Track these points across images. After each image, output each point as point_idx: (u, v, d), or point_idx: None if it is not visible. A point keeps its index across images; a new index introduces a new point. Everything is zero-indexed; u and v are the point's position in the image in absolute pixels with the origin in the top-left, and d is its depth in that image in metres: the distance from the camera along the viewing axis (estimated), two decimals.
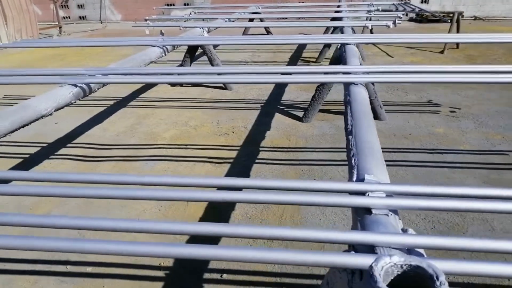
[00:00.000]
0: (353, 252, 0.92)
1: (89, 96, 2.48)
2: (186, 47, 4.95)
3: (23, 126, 2.01)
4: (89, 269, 1.98)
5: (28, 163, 3.13)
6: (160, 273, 1.94)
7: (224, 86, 4.97)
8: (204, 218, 2.36)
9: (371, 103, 3.71)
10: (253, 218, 2.34)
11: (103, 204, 2.53)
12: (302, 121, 3.78)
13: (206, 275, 1.91)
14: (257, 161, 3.04)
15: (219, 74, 2.95)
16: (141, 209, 2.47)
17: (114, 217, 2.36)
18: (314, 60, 6.39)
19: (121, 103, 4.53)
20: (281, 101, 4.44)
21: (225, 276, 1.91)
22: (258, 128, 3.69)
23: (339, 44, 3.41)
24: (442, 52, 6.72)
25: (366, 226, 0.98)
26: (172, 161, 3.09)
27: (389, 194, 1.06)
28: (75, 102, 2.39)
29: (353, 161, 1.33)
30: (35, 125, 3.75)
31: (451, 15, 6.92)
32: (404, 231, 0.97)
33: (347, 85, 2.14)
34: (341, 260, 0.87)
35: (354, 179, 1.21)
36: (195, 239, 2.04)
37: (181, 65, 5.14)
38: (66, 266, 2.00)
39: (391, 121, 3.74)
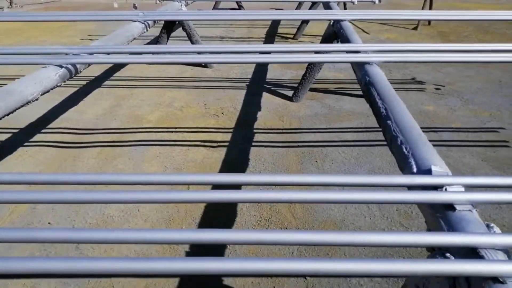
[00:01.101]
0: (449, 255, 0.84)
1: (73, 77, 2.24)
2: (162, 22, 4.64)
3: (7, 114, 1.77)
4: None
5: (0, 151, 2.83)
6: None
7: (204, 64, 4.74)
8: (218, 219, 2.23)
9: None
10: (260, 204, 2.24)
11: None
12: (292, 101, 3.68)
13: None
14: (254, 144, 2.92)
15: (211, 53, 2.76)
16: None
17: (111, 211, 2.18)
18: (292, 36, 6.24)
19: (95, 83, 4.21)
20: (266, 80, 4.30)
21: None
22: (247, 108, 3.55)
23: (332, 21, 3.30)
24: (415, 28, 6.78)
25: (452, 225, 0.91)
26: (163, 146, 2.90)
27: (467, 188, 0.99)
28: (61, 84, 2.14)
29: (404, 149, 1.24)
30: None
31: None
32: (489, 227, 0.91)
33: (361, 65, 2.05)
34: (444, 268, 0.79)
35: (415, 170, 1.13)
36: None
37: (157, 41, 4.82)
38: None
39: None
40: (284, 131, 3.13)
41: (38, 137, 3.04)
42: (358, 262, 0.80)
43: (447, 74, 4.45)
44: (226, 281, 1.75)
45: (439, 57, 2.15)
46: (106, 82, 4.25)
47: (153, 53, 2.36)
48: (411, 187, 1.05)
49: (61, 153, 2.80)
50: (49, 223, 2.15)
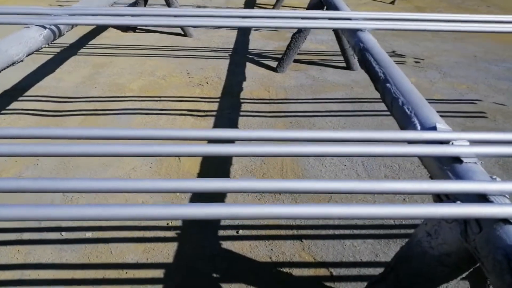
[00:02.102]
0: (458, 202, 0.90)
1: (57, 39, 2.14)
2: None
3: None
4: (88, 235, 1.80)
5: None
6: (170, 233, 1.82)
7: (184, 33, 4.62)
8: (203, 175, 2.24)
9: (345, 52, 3.71)
10: (254, 172, 2.27)
11: (83, 163, 2.28)
12: (277, 71, 3.67)
13: (221, 232, 1.84)
14: (241, 113, 2.91)
15: (193, 16, 2.70)
16: (129, 167, 2.27)
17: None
18: (271, 7, 6.16)
19: (70, 50, 4.03)
20: (249, 50, 4.25)
21: (241, 232, 1.84)
22: (232, 78, 3.52)
23: None
24: (392, 3, 6.84)
25: (459, 176, 0.96)
26: (148, 115, 2.85)
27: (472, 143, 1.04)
28: (46, 46, 2.05)
29: (407, 110, 1.29)
30: None
31: None
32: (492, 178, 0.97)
33: (353, 32, 2.06)
34: (457, 211, 0.84)
35: (419, 128, 1.18)
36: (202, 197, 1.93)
37: (135, 3, 4.64)
38: (60, 233, 1.80)
39: (363, 72, 3.76)
40: (271, 101, 3.14)
41: (15, 104, 2.91)
42: (368, 206, 0.84)
43: (425, 48, 4.55)
44: (225, 244, 1.78)
45: (431, 25, 2.19)
46: (82, 50, 4.07)
47: (135, 15, 2.28)
48: (417, 142, 1.09)
49: (42, 121, 2.70)
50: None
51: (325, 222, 1.91)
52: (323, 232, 1.86)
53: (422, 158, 1.11)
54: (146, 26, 2.16)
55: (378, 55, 1.74)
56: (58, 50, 4.02)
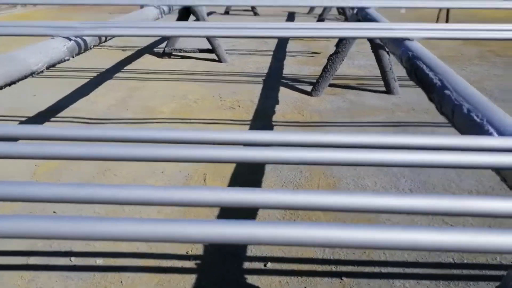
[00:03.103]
0: None
1: (83, 52, 2.07)
2: (176, 16, 4.50)
3: (9, 84, 1.60)
4: (99, 261, 1.61)
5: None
6: (189, 263, 1.60)
7: (218, 59, 4.57)
8: None
9: (385, 75, 3.48)
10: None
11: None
12: (311, 95, 3.49)
13: (246, 264, 1.60)
14: None
15: (227, 28, 2.58)
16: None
17: (121, 211, 1.99)
18: None
19: (105, 75, 4.05)
20: (283, 75, 4.12)
21: (269, 265, 1.60)
22: (265, 102, 3.36)
23: (356, 9, 3.12)
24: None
25: None
26: None
27: None
28: (69, 59, 1.97)
29: (475, 117, 1.04)
30: (8, 98, 3.24)
31: None
32: None
33: (399, 42, 1.85)
34: None
35: (495, 135, 0.92)
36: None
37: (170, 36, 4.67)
38: (69, 258, 1.62)
39: (404, 96, 3.51)
40: (304, 124, 2.93)
41: (46, 125, 2.87)
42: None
43: (472, 72, 4.24)
44: (250, 279, 1.54)
45: (484, 33, 1.94)
46: (117, 74, 4.09)
47: (166, 27, 2.20)
48: (493, 151, 0.84)
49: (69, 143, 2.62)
50: (54, 211, 1.96)
51: (369, 257, 1.62)
52: (367, 269, 1.58)
53: (503, 171, 0.85)
54: (172, 36, 2.08)
55: (431, 61, 1.51)
56: (94, 74, 4.06)
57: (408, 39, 1.84)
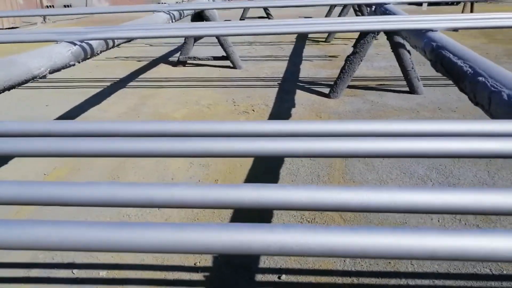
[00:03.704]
0: None
1: (89, 58, 2.00)
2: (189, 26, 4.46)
3: (9, 88, 1.53)
4: (103, 274, 1.51)
5: None
6: (198, 276, 1.48)
7: (233, 65, 4.49)
8: None
9: (408, 74, 3.30)
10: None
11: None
12: (330, 97, 3.34)
13: (259, 276, 1.46)
14: None
15: (242, 26, 2.49)
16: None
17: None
18: (324, 40, 5.95)
19: (119, 84, 4.02)
20: (299, 78, 3.99)
21: (284, 277, 1.46)
22: (280, 105, 3.24)
23: (374, 6, 2.98)
24: (456, 30, 6.34)
25: None
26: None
27: None
28: (75, 64, 1.91)
29: None
30: (21, 108, 3.23)
31: None
32: None
33: (422, 33, 1.70)
34: None
35: None
36: None
37: (184, 44, 4.64)
38: (72, 270, 1.53)
39: (429, 95, 3.32)
40: None
41: None
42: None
43: None
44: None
45: (509, 21, 1.78)
46: (131, 83, 4.06)
47: (174, 28, 2.12)
48: None
49: None
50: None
51: (395, 268, 1.46)
52: (393, 281, 1.42)
53: None
54: (180, 36, 1.99)
55: (458, 49, 1.36)
56: (108, 84, 4.04)
57: (431, 30, 1.70)
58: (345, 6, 5.27)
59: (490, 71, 1.09)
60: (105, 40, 2.06)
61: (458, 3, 7.84)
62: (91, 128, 0.84)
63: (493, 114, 0.99)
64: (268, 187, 0.56)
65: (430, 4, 7.94)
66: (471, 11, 6.59)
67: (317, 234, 0.46)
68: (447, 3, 7.93)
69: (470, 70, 1.17)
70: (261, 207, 0.56)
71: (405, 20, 1.90)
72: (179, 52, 4.85)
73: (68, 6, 12.18)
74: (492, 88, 1.00)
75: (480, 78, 1.08)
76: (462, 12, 6.65)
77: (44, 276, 1.50)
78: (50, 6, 12.18)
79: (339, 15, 6.54)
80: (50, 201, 0.58)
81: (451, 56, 1.33)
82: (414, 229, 0.44)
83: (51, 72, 1.73)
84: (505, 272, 1.44)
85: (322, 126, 0.75)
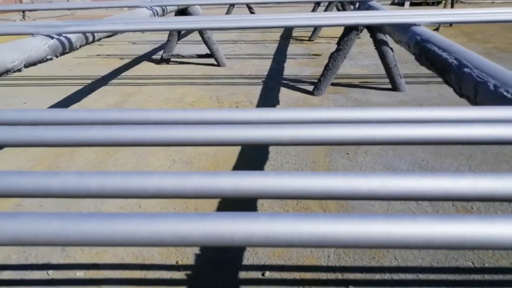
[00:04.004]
0: None
1: (68, 52, 1.94)
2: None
3: None
4: (80, 274, 1.45)
5: None
6: (179, 274, 1.44)
7: (217, 63, 4.45)
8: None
9: (390, 72, 3.32)
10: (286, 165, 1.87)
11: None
12: (314, 94, 3.34)
13: (242, 274, 1.43)
14: None
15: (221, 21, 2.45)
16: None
17: (108, 208, 1.83)
18: (307, 39, 5.95)
19: (101, 82, 3.94)
20: (284, 76, 3.98)
21: (267, 274, 1.43)
22: (265, 102, 3.22)
23: (357, 4, 2.99)
24: (437, 29, 6.44)
25: None
26: None
27: None
28: (52, 58, 1.84)
29: (505, 92, 0.88)
30: None
31: None
32: None
33: (405, 28, 1.70)
34: None
35: None
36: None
37: (167, 41, 4.57)
38: (47, 271, 1.47)
39: (412, 92, 3.35)
40: None
41: None
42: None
43: None
44: None
45: (492, 15, 1.80)
46: (113, 81, 3.98)
47: (155, 22, 2.07)
48: None
49: (53, 150, 2.49)
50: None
51: (379, 263, 1.45)
52: (377, 276, 1.40)
53: None
54: (162, 30, 1.95)
55: (442, 42, 1.36)
56: (89, 81, 3.95)
57: (414, 24, 1.70)
58: (329, 4, 5.29)
59: (476, 62, 1.09)
60: (84, 33, 2.01)
61: (438, 3, 7.98)
62: (65, 116, 0.80)
63: (479, 104, 0.98)
64: (248, 174, 0.53)
65: (412, 4, 8.05)
66: (452, 7, 6.71)
67: (306, 223, 0.43)
68: (427, 3, 8.07)
69: (455, 62, 1.17)
70: (241, 195, 0.54)
71: (389, 15, 1.89)
72: (163, 50, 4.78)
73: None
74: (478, 79, 1.00)
75: (466, 70, 1.08)
76: (444, 7, 6.77)
77: (17, 278, 1.44)
78: (30, 2, 11.89)
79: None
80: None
81: (436, 49, 1.33)
82: (408, 216, 0.42)
83: (26, 66, 1.67)
84: (486, 265, 1.44)
85: (308, 113, 0.72)
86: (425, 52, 1.41)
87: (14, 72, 1.60)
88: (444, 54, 1.24)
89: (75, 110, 0.76)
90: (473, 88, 1.00)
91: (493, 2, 9.06)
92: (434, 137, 0.63)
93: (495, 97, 0.90)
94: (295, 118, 0.74)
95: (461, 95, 1.11)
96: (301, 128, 0.67)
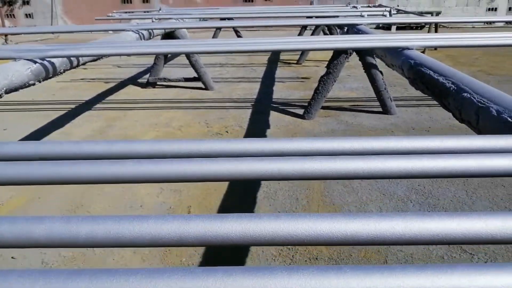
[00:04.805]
0: None
1: (52, 77, 1.86)
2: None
3: None
4: None
5: None
6: None
7: (205, 86, 4.41)
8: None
9: (381, 95, 3.32)
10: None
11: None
12: (304, 118, 3.30)
13: None
14: None
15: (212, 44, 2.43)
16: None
17: (91, 255, 1.72)
18: (295, 62, 5.99)
19: (85, 106, 3.84)
20: (273, 100, 3.95)
21: None
22: (255, 126, 3.16)
23: (346, 28, 3.00)
24: (423, 52, 6.58)
25: None
26: None
27: None
28: (35, 83, 1.76)
29: (509, 118, 0.84)
30: None
31: (429, 14, 6.84)
32: None
33: (398, 52, 1.68)
34: None
35: None
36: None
37: (154, 65, 4.53)
38: None
39: (402, 115, 3.35)
40: None
41: None
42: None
43: None
44: None
45: (483, 40, 1.80)
46: (97, 105, 3.88)
47: (142, 45, 2.02)
48: None
49: None
50: (12, 257, 1.69)
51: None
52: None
53: None
54: (148, 53, 1.91)
55: (437, 66, 1.33)
56: (72, 106, 3.85)
57: (407, 48, 1.68)
58: (316, 27, 5.35)
59: (475, 86, 1.05)
60: (69, 57, 1.93)
61: (422, 27, 8.19)
62: (47, 149, 0.72)
63: (482, 130, 0.94)
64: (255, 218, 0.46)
65: (398, 28, 8.25)
66: (436, 31, 6.88)
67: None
68: (411, 28, 8.29)
69: (453, 86, 1.13)
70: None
71: (380, 39, 1.88)
72: (149, 73, 4.73)
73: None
74: (480, 104, 0.95)
75: (465, 94, 1.04)
76: (428, 32, 6.94)
77: None
78: (13, 27, 11.81)
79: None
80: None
81: (431, 73, 1.30)
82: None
83: (7, 92, 1.58)
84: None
85: (305, 144, 0.66)
86: (420, 76, 1.38)
87: None
88: (441, 78, 1.21)
89: (59, 142, 0.68)
90: (475, 114, 0.96)
91: (473, 27, 9.35)
92: (439, 170, 0.57)
93: (498, 122, 0.86)
94: (290, 149, 0.67)
95: (462, 120, 1.06)
96: (296, 161, 0.61)
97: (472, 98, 1.00)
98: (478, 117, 0.95)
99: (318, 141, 0.66)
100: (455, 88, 1.11)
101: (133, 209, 1.99)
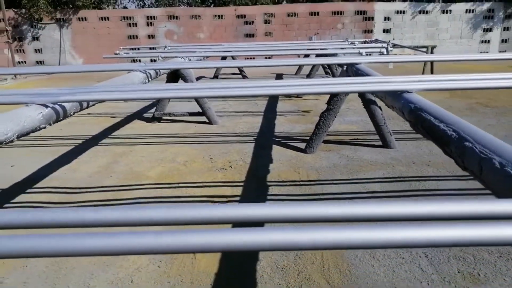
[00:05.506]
0: None
1: (62, 120, 1.93)
2: (164, 81, 4.49)
3: None
4: None
5: None
6: None
7: (209, 121, 4.50)
8: (221, 274, 1.79)
9: (380, 129, 3.39)
10: (287, 269, 1.80)
11: (78, 263, 1.89)
12: (306, 152, 3.35)
13: None
14: (269, 197, 2.53)
15: (216, 88, 2.51)
16: (133, 267, 1.86)
17: (98, 284, 1.73)
18: (296, 95, 6.11)
19: (92, 142, 3.91)
20: (275, 133, 4.02)
21: None
22: (258, 161, 3.21)
23: (345, 66, 3.10)
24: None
25: None
26: (165, 203, 2.50)
27: None
28: (46, 127, 1.82)
29: None
30: None
31: (424, 49, 7.02)
32: None
33: (398, 95, 1.75)
34: None
35: None
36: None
37: (159, 100, 4.64)
38: None
39: (402, 149, 3.40)
40: (301, 183, 2.75)
41: (21, 197, 2.65)
42: None
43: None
44: None
45: (483, 82, 1.87)
46: (104, 140, 3.95)
47: (151, 90, 2.09)
48: None
49: None
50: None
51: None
52: None
53: None
54: (158, 98, 1.98)
55: (438, 112, 1.39)
56: (79, 141, 3.92)
57: (406, 91, 1.75)
58: (313, 67, 5.49)
59: (475, 135, 1.10)
60: (79, 101, 2.01)
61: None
62: (52, 218, 0.73)
63: (486, 181, 0.97)
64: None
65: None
66: (431, 69, 7.05)
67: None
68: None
69: (454, 134, 1.18)
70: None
71: (379, 81, 1.95)
72: (154, 108, 4.83)
73: (41, 62, 12.13)
74: (482, 155, 1.00)
75: (467, 144, 1.09)
76: (423, 70, 7.11)
77: None
78: (22, 62, 12.10)
79: (309, 73, 6.81)
80: None
81: (432, 119, 1.36)
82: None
83: (19, 137, 1.64)
84: None
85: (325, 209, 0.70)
86: (421, 121, 1.43)
87: (6, 143, 1.56)
88: (442, 125, 1.26)
89: (62, 210, 0.72)
90: (478, 164, 1.00)
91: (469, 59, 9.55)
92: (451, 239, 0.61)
93: (503, 176, 0.90)
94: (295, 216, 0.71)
95: (465, 168, 1.10)
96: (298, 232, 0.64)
97: (474, 148, 1.05)
98: (481, 167, 0.99)
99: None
100: (457, 136, 1.16)
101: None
